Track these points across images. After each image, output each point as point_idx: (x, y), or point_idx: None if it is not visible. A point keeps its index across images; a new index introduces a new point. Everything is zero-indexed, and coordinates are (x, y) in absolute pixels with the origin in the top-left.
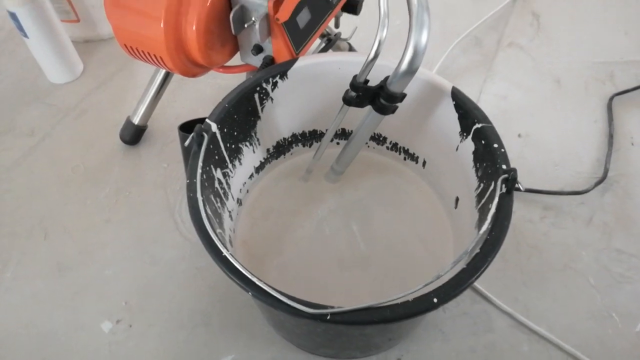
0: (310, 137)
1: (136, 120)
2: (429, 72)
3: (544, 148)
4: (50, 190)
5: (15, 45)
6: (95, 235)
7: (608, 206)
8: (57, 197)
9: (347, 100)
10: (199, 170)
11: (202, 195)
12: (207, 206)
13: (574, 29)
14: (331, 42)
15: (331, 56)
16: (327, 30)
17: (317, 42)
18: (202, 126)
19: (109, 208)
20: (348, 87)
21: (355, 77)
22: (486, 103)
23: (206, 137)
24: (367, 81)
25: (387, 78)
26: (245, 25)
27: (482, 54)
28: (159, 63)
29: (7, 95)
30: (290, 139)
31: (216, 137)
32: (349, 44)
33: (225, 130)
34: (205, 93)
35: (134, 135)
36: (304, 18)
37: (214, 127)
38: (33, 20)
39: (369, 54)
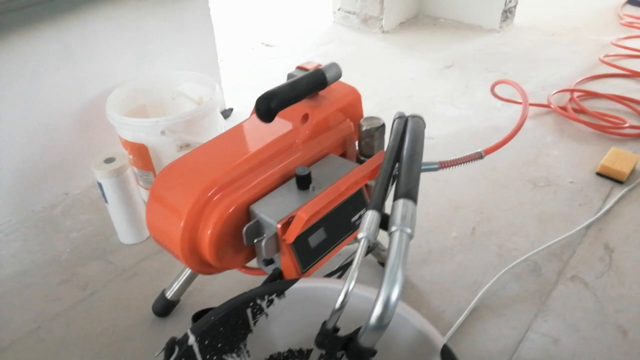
0: (307, 355)
1: (169, 295)
2: (423, 319)
3: None
4: (74, 350)
5: (104, 204)
6: None
7: None
8: (76, 359)
9: (319, 344)
10: None
11: None
12: None
13: None
14: (369, 249)
15: (331, 283)
16: None
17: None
18: (178, 338)
19: None
20: (345, 317)
21: (324, 323)
22: (532, 344)
23: (177, 350)
24: (336, 329)
25: (359, 329)
26: (255, 241)
27: (539, 284)
28: (178, 259)
29: (81, 246)
30: (286, 354)
31: (192, 350)
32: None
33: (206, 342)
34: (245, 275)
35: (163, 308)
36: (317, 238)
37: (192, 339)
38: (114, 191)
39: (336, 304)
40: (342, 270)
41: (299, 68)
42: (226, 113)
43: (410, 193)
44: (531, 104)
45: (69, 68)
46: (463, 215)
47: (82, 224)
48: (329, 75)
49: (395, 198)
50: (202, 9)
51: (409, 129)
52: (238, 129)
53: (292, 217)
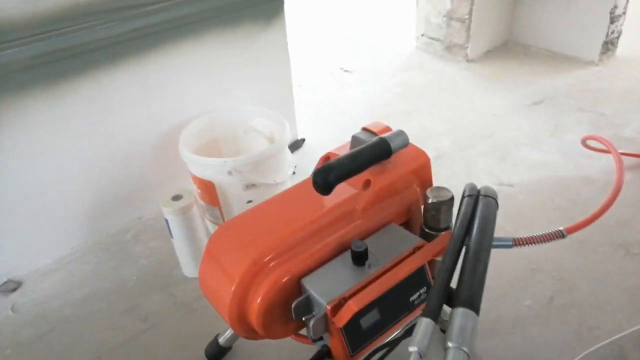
0: None
1: (222, 341)
2: None
3: None
4: None
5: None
6: None
7: None
8: None
9: None
10: None
11: None
12: None
13: None
14: None
15: None
16: None
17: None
18: None
19: None
20: None
21: None
22: None
23: None
24: None
25: None
26: (304, 319)
27: None
28: (225, 322)
29: (147, 275)
30: None
31: None
32: None
33: None
34: None
35: (215, 354)
36: (370, 319)
37: None
38: (179, 227)
39: None
40: (391, 346)
41: (365, 130)
42: (298, 144)
43: (472, 301)
44: (629, 154)
45: (148, 101)
46: (540, 280)
47: (151, 250)
48: (394, 144)
49: (455, 304)
50: (280, 43)
51: (479, 213)
52: (297, 189)
53: (344, 299)
